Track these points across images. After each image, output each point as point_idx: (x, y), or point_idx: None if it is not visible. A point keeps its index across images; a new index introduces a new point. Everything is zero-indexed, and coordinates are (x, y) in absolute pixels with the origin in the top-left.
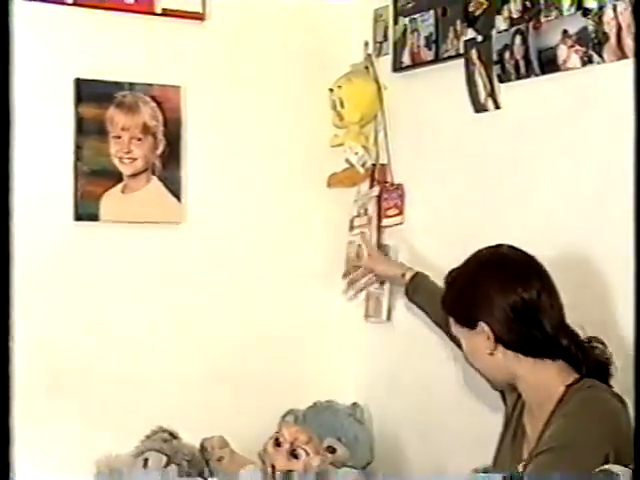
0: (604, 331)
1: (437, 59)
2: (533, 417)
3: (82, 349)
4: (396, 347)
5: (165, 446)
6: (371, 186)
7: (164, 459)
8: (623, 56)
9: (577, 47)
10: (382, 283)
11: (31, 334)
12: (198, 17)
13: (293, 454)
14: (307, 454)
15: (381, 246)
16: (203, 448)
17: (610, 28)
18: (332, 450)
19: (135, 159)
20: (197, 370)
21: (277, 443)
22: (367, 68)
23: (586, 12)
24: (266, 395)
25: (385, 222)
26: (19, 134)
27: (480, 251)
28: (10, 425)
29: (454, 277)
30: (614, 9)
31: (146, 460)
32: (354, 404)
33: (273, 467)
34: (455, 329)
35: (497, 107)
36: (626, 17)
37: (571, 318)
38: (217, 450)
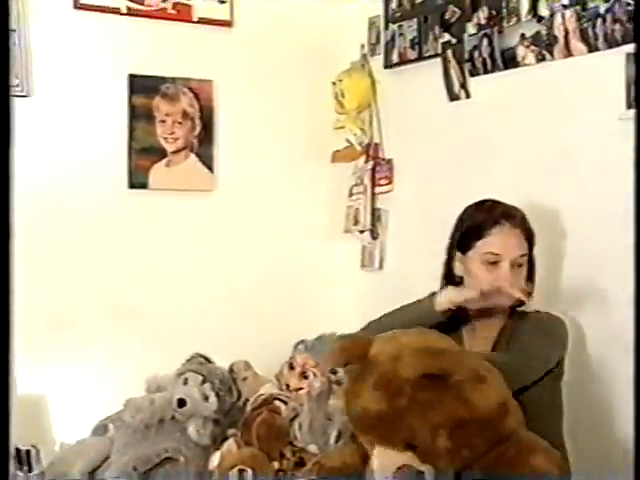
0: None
1: (420, 58)
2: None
3: (136, 290)
4: (386, 289)
5: (201, 368)
6: (366, 161)
7: (200, 378)
8: (569, 54)
9: (532, 47)
10: (375, 238)
11: (95, 278)
12: (227, 24)
13: (303, 375)
14: (314, 375)
15: (374, 209)
16: (231, 370)
17: (559, 32)
18: (334, 372)
19: (177, 139)
20: (226, 308)
21: (291, 367)
22: (363, 65)
23: (540, 19)
24: (282, 328)
25: (378, 190)
26: (85, 120)
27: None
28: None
29: None
30: (562, 16)
31: (186, 379)
32: None
33: (287, 385)
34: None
35: (468, 96)
36: (572, 23)
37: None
38: (242, 372)
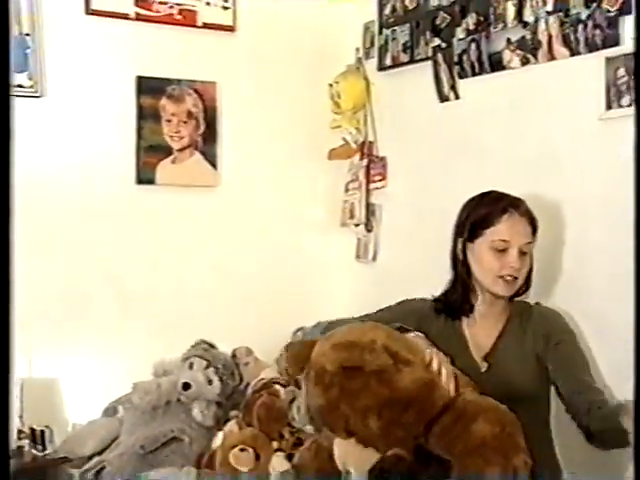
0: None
1: (412, 61)
2: (476, 327)
3: (144, 280)
4: (380, 279)
5: (206, 353)
6: (361, 158)
7: (204, 363)
8: (552, 58)
9: (518, 51)
10: (369, 231)
11: (106, 268)
12: (230, 29)
13: None
14: None
15: (369, 204)
16: (234, 355)
17: (543, 37)
18: None
19: (182, 137)
20: (229, 297)
21: None
22: (358, 68)
23: (525, 24)
24: (281, 316)
25: (372, 186)
26: (95, 119)
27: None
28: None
29: None
30: (546, 22)
31: (191, 364)
32: None
33: (286, 370)
34: None
35: (457, 97)
36: (555, 28)
37: None
38: (244, 357)
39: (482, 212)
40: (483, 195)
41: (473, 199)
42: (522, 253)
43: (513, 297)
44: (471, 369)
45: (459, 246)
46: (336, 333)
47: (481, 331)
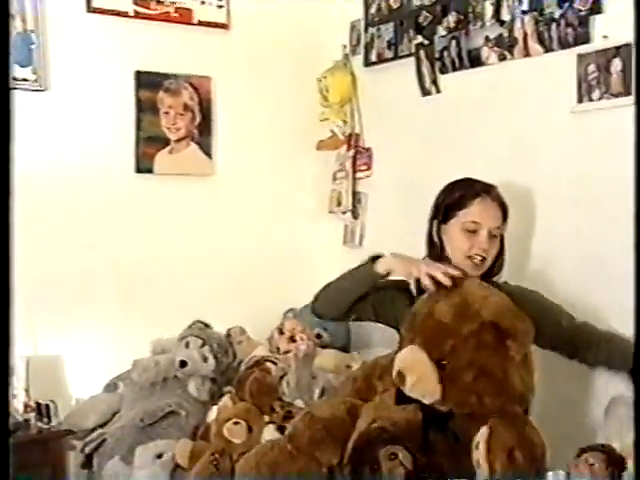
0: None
1: (396, 57)
2: None
3: (143, 263)
4: None
5: (201, 333)
6: (348, 149)
7: (200, 342)
8: (527, 55)
9: (495, 48)
10: (356, 218)
11: (107, 253)
12: (224, 26)
13: (292, 339)
14: (301, 339)
15: (355, 192)
16: (228, 335)
17: (519, 34)
18: (319, 336)
19: (179, 129)
20: (223, 280)
21: (280, 332)
22: (345, 64)
23: (502, 23)
24: (273, 298)
25: (358, 175)
26: (96, 111)
27: None
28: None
29: None
30: (522, 21)
31: (187, 342)
32: None
33: (277, 348)
34: None
35: (438, 91)
36: (530, 26)
37: None
38: (238, 336)
39: (456, 195)
40: (458, 181)
41: (449, 185)
42: (492, 236)
43: (485, 279)
44: None
45: (434, 228)
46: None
47: None
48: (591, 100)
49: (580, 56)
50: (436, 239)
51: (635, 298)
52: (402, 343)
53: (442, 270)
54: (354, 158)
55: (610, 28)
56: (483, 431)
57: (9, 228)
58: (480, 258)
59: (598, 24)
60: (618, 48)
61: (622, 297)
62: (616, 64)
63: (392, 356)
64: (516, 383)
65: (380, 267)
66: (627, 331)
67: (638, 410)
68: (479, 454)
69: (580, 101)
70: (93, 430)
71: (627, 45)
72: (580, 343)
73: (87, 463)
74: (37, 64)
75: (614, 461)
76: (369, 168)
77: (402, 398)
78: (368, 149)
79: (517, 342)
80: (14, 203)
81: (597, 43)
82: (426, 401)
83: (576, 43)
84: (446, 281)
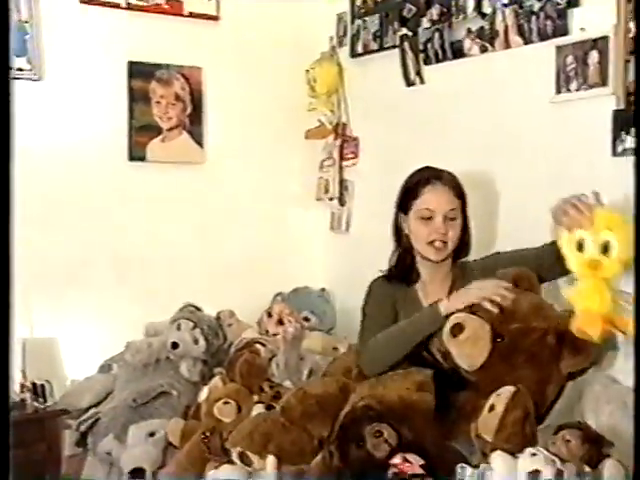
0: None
1: (381, 48)
2: (426, 291)
3: (136, 248)
4: (352, 249)
5: (192, 316)
6: (335, 138)
7: (191, 324)
8: (508, 46)
9: (477, 40)
10: (342, 205)
11: (101, 238)
12: (214, 18)
13: (280, 322)
14: (289, 322)
15: (342, 180)
16: (218, 317)
17: (500, 27)
18: (307, 319)
19: (170, 118)
20: (214, 265)
21: (269, 315)
22: (332, 55)
23: (484, 15)
24: (262, 282)
25: (345, 163)
26: (90, 101)
27: None
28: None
29: None
30: (503, 14)
31: (179, 325)
32: (323, 289)
33: (266, 331)
34: None
35: (422, 82)
36: (511, 19)
37: None
38: (228, 319)
39: (410, 186)
40: (414, 172)
41: (408, 176)
42: (449, 219)
43: (455, 260)
44: None
45: (399, 219)
46: None
47: (431, 294)
48: (569, 91)
49: (559, 48)
50: (402, 230)
51: (635, 298)
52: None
53: (496, 292)
54: (341, 147)
55: (587, 21)
56: (509, 387)
57: (9, 218)
58: (441, 243)
59: (576, 17)
60: (595, 40)
61: None
62: (593, 56)
63: None
64: (548, 391)
65: (444, 309)
66: None
67: (638, 410)
68: (497, 402)
69: (559, 92)
70: (87, 409)
71: (604, 37)
72: (548, 263)
73: (81, 441)
74: (32, 54)
75: (589, 438)
76: (356, 156)
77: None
78: (355, 138)
79: (571, 359)
80: (14, 191)
81: (575, 35)
82: (465, 363)
83: (555, 35)
84: (506, 302)
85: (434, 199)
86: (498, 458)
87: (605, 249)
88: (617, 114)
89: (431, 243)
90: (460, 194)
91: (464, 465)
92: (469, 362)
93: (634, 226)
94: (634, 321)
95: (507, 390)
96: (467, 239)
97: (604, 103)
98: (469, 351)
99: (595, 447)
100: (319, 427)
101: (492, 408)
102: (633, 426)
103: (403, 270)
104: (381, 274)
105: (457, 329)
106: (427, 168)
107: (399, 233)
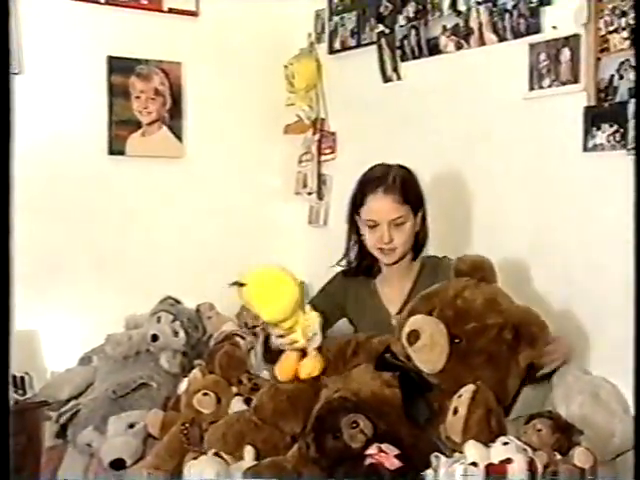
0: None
1: (358, 45)
2: (387, 285)
3: (116, 242)
4: (330, 243)
5: (172, 308)
6: (314, 133)
7: (171, 317)
8: (483, 44)
9: (452, 37)
10: (320, 199)
11: (81, 231)
12: (193, 14)
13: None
14: None
15: (320, 174)
16: (198, 310)
17: (475, 24)
18: None
19: (150, 113)
20: (193, 258)
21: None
22: (310, 51)
23: (459, 13)
24: (241, 275)
25: (323, 158)
26: (70, 95)
27: None
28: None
29: None
30: (477, 11)
31: (159, 317)
32: (301, 282)
33: (245, 324)
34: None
35: (399, 78)
36: (485, 17)
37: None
38: (208, 312)
39: (356, 193)
40: (362, 175)
41: (360, 176)
42: (396, 225)
43: (416, 256)
44: (386, 324)
45: (354, 218)
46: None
47: (393, 289)
48: (542, 88)
49: (531, 45)
50: (359, 228)
51: (635, 298)
52: (413, 312)
53: None
54: (319, 142)
55: (559, 19)
56: (469, 387)
57: (9, 217)
58: (388, 250)
59: (548, 15)
60: (567, 38)
61: (568, 269)
62: (565, 53)
63: (371, 334)
64: (510, 386)
65: None
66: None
67: (638, 410)
68: (460, 404)
69: (532, 88)
70: (68, 401)
71: (575, 35)
72: None
73: (62, 433)
74: (11, 48)
75: (560, 427)
76: (333, 151)
77: (382, 367)
78: (333, 133)
79: (529, 351)
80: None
81: (547, 33)
82: (426, 368)
83: (528, 33)
84: None
85: (377, 209)
86: (472, 447)
87: None
88: (588, 110)
89: (380, 249)
90: (407, 198)
91: (438, 454)
92: (429, 367)
93: (634, 226)
94: (634, 321)
95: (467, 391)
96: (422, 238)
97: (575, 100)
98: (427, 357)
99: (565, 435)
100: (291, 424)
101: (456, 411)
102: (633, 426)
103: (362, 266)
104: (341, 269)
105: (413, 337)
106: (377, 167)
107: (357, 230)
